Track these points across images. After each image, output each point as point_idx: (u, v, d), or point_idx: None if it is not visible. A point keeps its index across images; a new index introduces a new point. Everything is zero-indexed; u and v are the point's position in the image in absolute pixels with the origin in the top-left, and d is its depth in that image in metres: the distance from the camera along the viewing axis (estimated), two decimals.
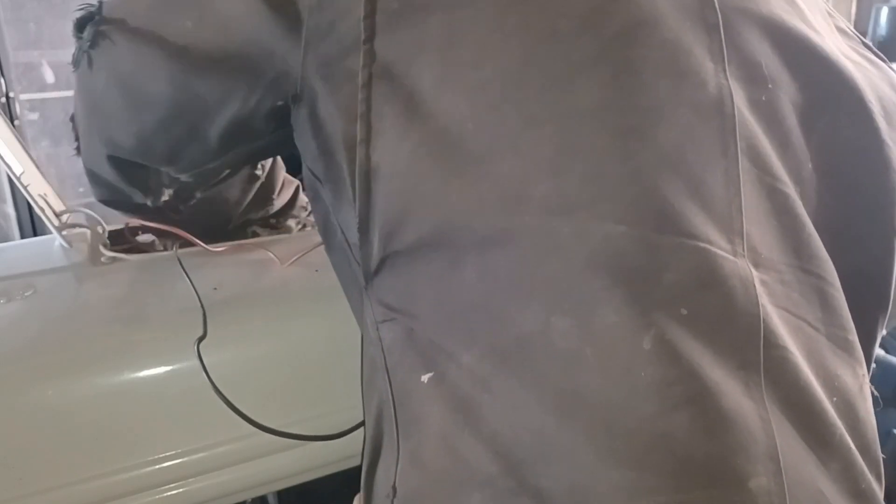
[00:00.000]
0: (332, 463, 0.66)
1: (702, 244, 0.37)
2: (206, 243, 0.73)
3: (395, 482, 0.42)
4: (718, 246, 0.37)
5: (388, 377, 0.44)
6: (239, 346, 0.63)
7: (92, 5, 0.55)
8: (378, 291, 0.44)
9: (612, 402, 0.36)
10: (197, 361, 0.59)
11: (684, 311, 0.36)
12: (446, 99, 0.40)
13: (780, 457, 0.35)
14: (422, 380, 0.41)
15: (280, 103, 0.49)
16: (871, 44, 0.52)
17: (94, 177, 0.64)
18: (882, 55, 0.52)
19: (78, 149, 0.66)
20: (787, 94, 0.43)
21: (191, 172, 0.62)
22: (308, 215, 0.89)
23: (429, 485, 0.40)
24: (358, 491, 0.61)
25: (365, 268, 0.45)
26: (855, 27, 0.53)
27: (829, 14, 0.51)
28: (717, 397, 0.35)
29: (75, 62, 0.57)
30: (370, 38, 0.42)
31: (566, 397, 0.37)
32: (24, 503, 0.56)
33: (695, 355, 0.36)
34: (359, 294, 0.48)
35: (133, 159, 0.60)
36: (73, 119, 0.66)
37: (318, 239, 0.74)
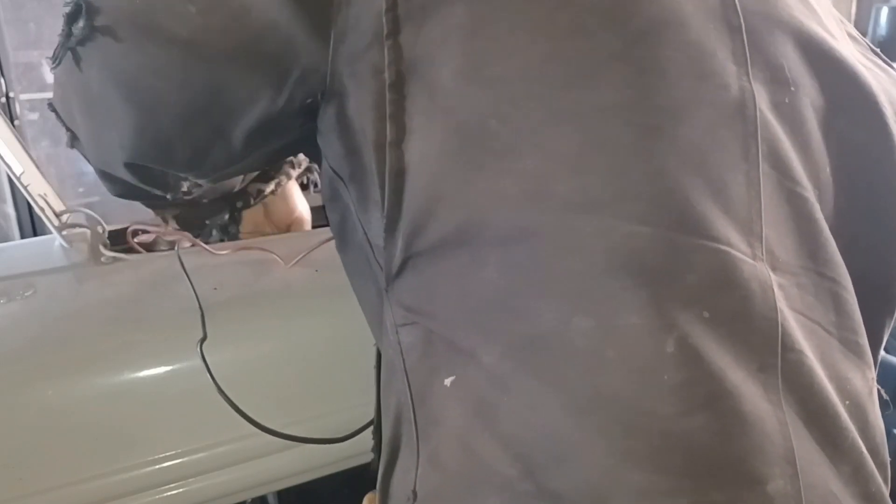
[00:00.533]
0: (332, 463, 0.66)
1: (723, 247, 0.37)
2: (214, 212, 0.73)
3: (415, 486, 0.42)
4: (738, 249, 0.37)
5: (407, 380, 0.43)
6: (239, 347, 0.63)
7: None
8: (399, 294, 0.44)
9: (633, 404, 0.36)
10: (197, 361, 0.59)
11: (706, 314, 0.36)
12: (468, 93, 0.39)
13: (797, 460, 0.36)
14: (444, 383, 0.41)
15: (310, 100, 0.47)
16: (876, 48, 0.52)
17: (106, 175, 0.60)
18: (888, 60, 0.52)
19: (71, 139, 0.59)
20: (808, 97, 0.43)
21: (212, 178, 0.58)
22: (303, 174, 0.87)
23: (448, 487, 0.40)
24: (357, 491, 0.61)
25: (387, 270, 0.44)
26: (855, 27, 0.53)
27: (841, 20, 0.52)
28: (737, 400, 0.36)
29: (56, 58, 0.51)
30: (393, 32, 0.41)
31: (586, 398, 0.36)
32: (23, 503, 0.56)
33: (716, 358, 0.36)
34: (377, 296, 0.47)
35: (151, 165, 0.55)
36: (52, 107, 0.59)
37: (319, 238, 0.74)
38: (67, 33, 0.48)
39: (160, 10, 0.45)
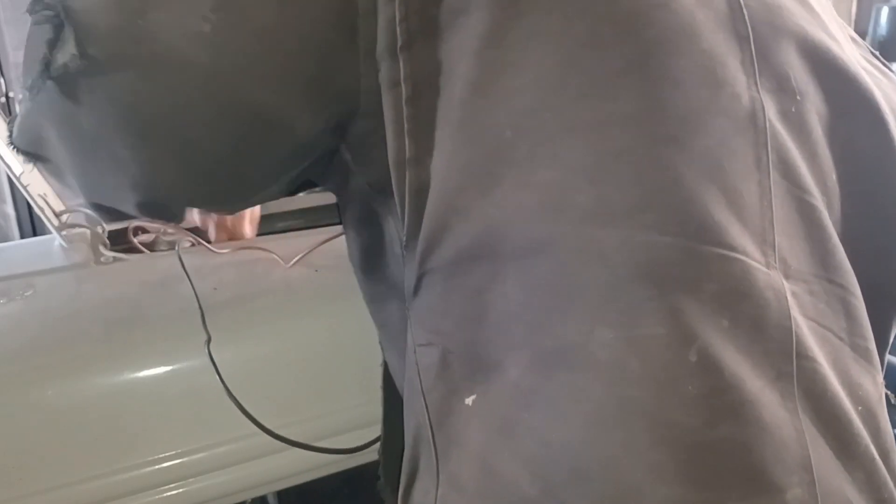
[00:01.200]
0: (332, 463, 0.66)
1: (739, 256, 0.37)
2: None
3: None
4: (753, 258, 0.38)
5: (424, 401, 0.43)
6: (239, 347, 0.63)
7: (51, 7, 0.39)
8: (417, 312, 0.43)
9: (657, 416, 0.35)
10: (196, 362, 0.59)
11: (725, 323, 0.36)
12: (484, 105, 0.39)
13: (813, 467, 0.36)
14: (465, 402, 0.40)
15: (345, 118, 0.43)
16: (876, 51, 0.52)
17: (102, 208, 0.51)
18: (887, 63, 0.52)
19: (35, 161, 0.50)
20: (813, 106, 0.43)
21: (234, 209, 0.53)
22: None
23: None
24: (357, 491, 0.61)
25: (407, 288, 0.43)
26: (855, 27, 0.54)
27: (844, 25, 0.52)
28: (758, 409, 0.36)
29: (34, 88, 0.41)
30: (408, 44, 0.39)
31: (610, 412, 0.36)
32: (23, 503, 0.56)
33: (736, 367, 0.36)
34: (402, 320, 0.46)
35: (170, 204, 0.48)
36: (10, 128, 0.49)
37: (319, 238, 0.74)
38: (46, 59, 0.40)
39: (169, 31, 0.38)
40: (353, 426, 0.65)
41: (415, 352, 0.43)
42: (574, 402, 0.37)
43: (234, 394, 0.59)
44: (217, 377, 0.59)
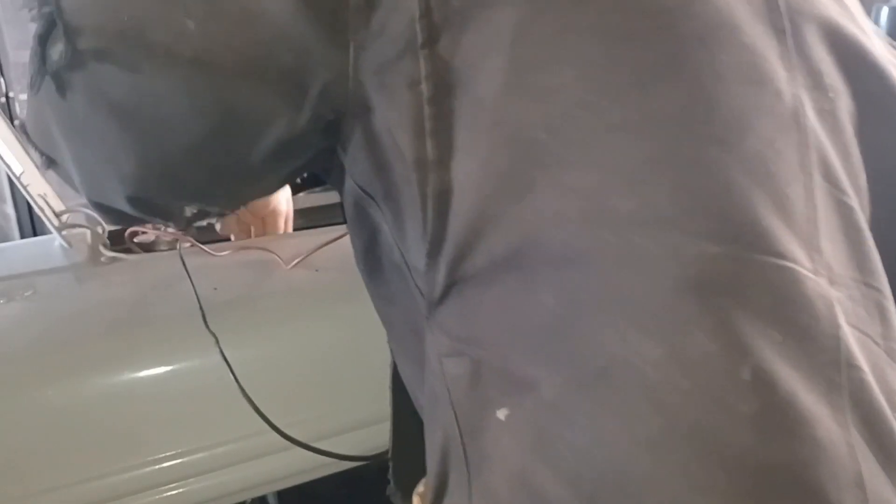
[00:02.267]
0: (332, 463, 0.66)
1: (789, 264, 0.36)
2: None
3: None
4: (802, 265, 0.36)
5: (455, 413, 0.41)
6: (239, 347, 0.63)
7: (47, 4, 0.41)
8: (443, 321, 0.41)
9: (711, 437, 0.34)
10: (196, 362, 0.59)
11: (778, 336, 0.35)
12: (515, 105, 0.37)
13: (865, 483, 0.35)
14: (497, 416, 0.39)
15: (332, 117, 0.42)
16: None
17: (101, 207, 0.52)
18: None
19: (48, 163, 0.52)
20: (843, 103, 0.42)
21: (225, 206, 0.52)
22: None
23: None
24: (358, 491, 0.61)
25: (429, 296, 0.41)
26: None
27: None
28: (812, 426, 0.34)
29: (34, 85, 0.44)
30: (429, 41, 0.37)
31: (660, 432, 0.34)
32: (23, 503, 0.56)
33: (790, 383, 0.34)
34: (415, 323, 0.44)
35: (158, 199, 0.48)
36: (24, 129, 0.52)
37: (321, 238, 0.74)
38: (41, 56, 0.42)
39: (154, 26, 0.39)
40: (354, 427, 0.65)
41: (441, 363, 0.42)
42: (619, 421, 0.35)
43: (234, 394, 0.59)
44: (221, 375, 0.59)
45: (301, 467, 0.65)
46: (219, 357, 0.59)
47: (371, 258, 0.48)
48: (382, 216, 0.43)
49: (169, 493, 0.60)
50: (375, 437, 0.64)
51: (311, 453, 0.63)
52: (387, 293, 0.48)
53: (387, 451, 0.58)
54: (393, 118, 0.39)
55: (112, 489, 0.58)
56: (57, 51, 0.41)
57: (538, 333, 0.37)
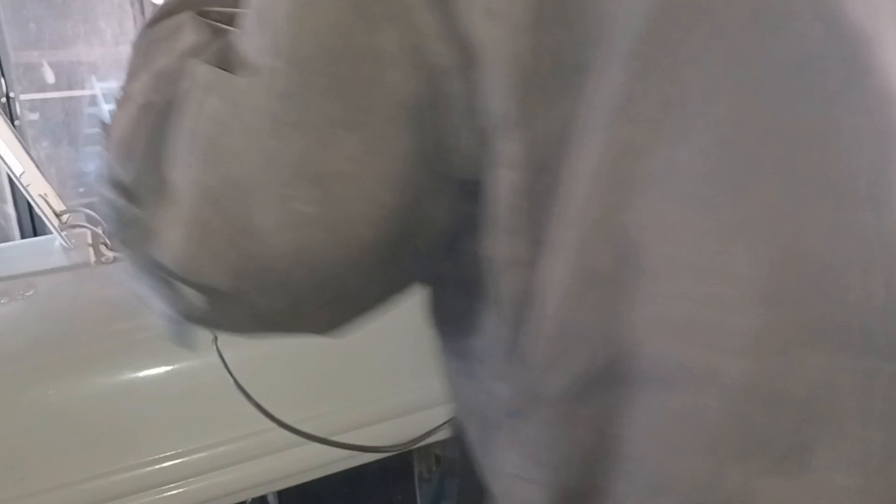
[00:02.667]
0: (332, 463, 0.66)
1: None
2: None
3: None
4: None
5: None
6: (239, 347, 0.63)
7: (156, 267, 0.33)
8: (517, 436, 0.37)
9: None
10: (196, 362, 0.59)
11: None
12: (610, 196, 0.30)
13: None
14: None
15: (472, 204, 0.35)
16: None
17: None
18: None
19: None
20: None
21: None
22: None
23: None
24: (358, 491, 0.61)
25: (507, 406, 0.36)
26: None
27: None
28: None
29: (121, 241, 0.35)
30: (521, 120, 0.30)
31: None
32: (23, 503, 0.56)
33: None
34: (486, 420, 0.39)
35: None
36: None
37: None
38: (119, 207, 0.34)
39: (276, 234, 0.31)
40: (362, 424, 0.65)
41: (513, 481, 0.37)
42: None
43: (234, 392, 0.59)
44: (221, 374, 0.59)
45: (301, 467, 0.65)
46: (217, 357, 0.59)
47: (460, 335, 0.40)
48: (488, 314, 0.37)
49: (169, 493, 0.60)
50: (378, 433, 0.64)
51: (309, 453, 0.63)
52: (465, 367, 0.41)
53: (396, 445, 0.57)
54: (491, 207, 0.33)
55: (112, 489, 0.58)
56: (185, 307, 0.34)
57: (626, 460, 0.33)
